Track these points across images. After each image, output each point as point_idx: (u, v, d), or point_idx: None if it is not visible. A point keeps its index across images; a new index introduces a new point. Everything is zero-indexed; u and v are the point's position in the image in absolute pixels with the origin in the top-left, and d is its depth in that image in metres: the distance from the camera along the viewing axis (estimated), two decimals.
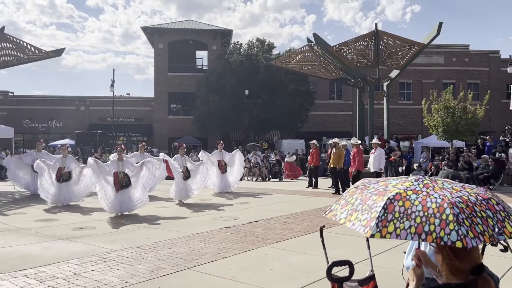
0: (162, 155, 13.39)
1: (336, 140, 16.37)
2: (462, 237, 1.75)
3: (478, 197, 1.99)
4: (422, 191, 1.99)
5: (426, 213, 1.85)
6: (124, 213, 10.47)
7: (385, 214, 1.91)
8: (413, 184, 2.06)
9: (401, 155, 20.96)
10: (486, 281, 1.89)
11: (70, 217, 10.26)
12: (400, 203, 1.93)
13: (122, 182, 10.44)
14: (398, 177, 2.30)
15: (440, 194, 1.94)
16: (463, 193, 1.98)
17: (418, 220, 1.85)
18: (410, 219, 1.86)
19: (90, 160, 10.70)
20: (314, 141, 18.18)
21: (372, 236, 1.88)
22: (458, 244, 1.75)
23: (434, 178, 2.16)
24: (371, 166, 15.19)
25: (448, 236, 1.76)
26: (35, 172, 14.23)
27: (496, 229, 1.87)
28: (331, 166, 15.78)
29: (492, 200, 2.01)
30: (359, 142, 15.95)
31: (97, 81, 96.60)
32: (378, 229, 1.88)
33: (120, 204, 10.29)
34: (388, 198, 1.96)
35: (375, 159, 15.03)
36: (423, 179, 2.12)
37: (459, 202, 1.89)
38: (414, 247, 2.77)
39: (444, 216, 1.81)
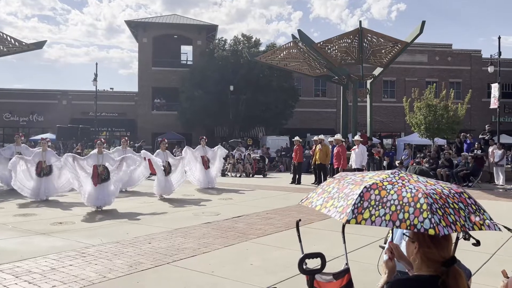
0: (143, 153, 13.27)
1: (321, 136, 16.46)
2: (434, 225, 1.80)
3: (451, 190, 2.05)
4: (398, 183, 2.04)
5: (401, 202, 1.91)
6: (104, 208, 10.36)
7: (361, 202, 1.96)
8: (389, 176, 2.11)
9: (383, 153, 21.17)
10: (458, 273, 1.92)
11: (49, 212, 10.11)
12: (376, 191, 1.99)
13: (101, 176, 10.34)
14: (376, 171, 2.37)
15: (415, 186, 2.00)
16: (436, 187, 2.05)
17: (393, 208, 1.90)
18: (385, 207, 1.92)
19: (68, 158, 10.41)
20: (297, 138, 18.24)
21: (348, 222, 1.93)
22: (431, 232, 1.80)
23: (409, 173, 2.24)
24: (353, 163, 15.34)
25: (422, 224, 1.81)
26: None
27: (468, 220, 1.93)
28: (318, 162, 15.86)
29: (464, 194, 2.08)
30: (343, 139, 16.02)
31: (80, 75, 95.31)
32: (353, 215, 1.93)
33: (98, 197, 10.17)
34: (365, 187, 2.01)
35: (357, 156, 15.19)
36: (399, 172, 2.18)
37: (433, 193, 1.95)
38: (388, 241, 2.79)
39: (418, 205, 1.87)
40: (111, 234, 7.67)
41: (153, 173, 13.21)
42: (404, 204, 1.89)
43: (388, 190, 1.98)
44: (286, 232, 7.94)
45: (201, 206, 11.38)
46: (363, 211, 1.94)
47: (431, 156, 18.37)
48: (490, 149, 17.68)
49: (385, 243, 3.33)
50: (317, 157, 16.13)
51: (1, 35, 19.63)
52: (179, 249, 6.59)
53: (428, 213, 1.83)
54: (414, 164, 18.50)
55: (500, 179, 17.02)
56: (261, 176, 21.80)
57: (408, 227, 1.84)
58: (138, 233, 7.70)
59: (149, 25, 38.79)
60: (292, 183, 17.29)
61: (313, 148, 17.84)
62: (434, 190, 1.99)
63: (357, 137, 16.35)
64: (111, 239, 7.20)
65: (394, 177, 2.11)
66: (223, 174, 20.08)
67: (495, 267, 5.79)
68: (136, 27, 38.91)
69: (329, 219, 8.99)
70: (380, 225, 1.89)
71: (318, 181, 15.65)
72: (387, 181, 2.06)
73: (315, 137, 17.49)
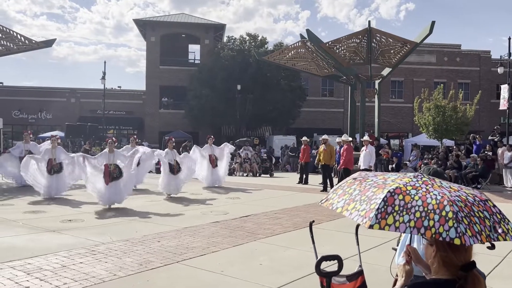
0: (157, 153, 13.52)
1: (325, 137, 16.37)
2: (460, 234, 1.76)
3: (476, 198, 2.01)
4: (422, 187, 2.00)
5: (426, 209, 1.86)
6: (114, 206, 10.43)
7: (385, 206, 1.91)
8: (412, 180, 2.06)
9: (391, 154, 21.08)
10: (477, 278, 1.88)
11: (58, 210, 10.18)
12: (400, 197, 1.94)
13: (113, 174, 10.43)
14: (396, 173, 2.31)
15: (440, 192, 1.95)
16: (461, 193, 2.00)
17: (417, 214, 1.86)
18: (409, 213, 1.87)
19: (79, 158, 10.62)
20: (305, 138, 18.22)
21: (371, 227, 1.88)
22: (457, 241, 1.76)
23: (432, 177, 2.17)
24: (362, 163, 15.26)
25: (447, 233, 1.78)
26: None
27: (493, 230, 1.89)
28: (322, 163, 15.80)
29: (489, 202, 2.03)
30: (350, 139, 15.89)
31: (88, 73, 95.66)
32: (377, 220, 1.88)
33: (110, 196, 10.26)
34: (389, 191, 1.97)
35: (365, 156, 15.10)
36: (422, 176, 2.13)
37: (458, 201, 1.91)
38: (405, 244, 2.77)
39: (443, 213, 1.83)
40: (120, 232, 7.71)
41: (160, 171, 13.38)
42: (429, 211, 1.85)
43: (412, 196, 1.94)
44: (294, 233, 7.94)
45: (209, 205, 11.40)
46: (387, 216, 1.89)
47: (440, 157, 18.27)
48: (500, 151, 17.55)
49: (397, 244, 3.31)
50: (321, 157, 16.05)
51: (12, 33, 19.78)
52: (188, 248, 6.61)
53: (454, 221, 1.79)
54: (422, 165, 18.45)
55: (509, 181, 16.88)
56: (268, 175, 21.80)
57: (433, 235, 1.80)
58: (147, 231, 7.74)
59: (157, 23, 38.88)
60: (299, 183, 17.27)
61: (320, 148, 17.78)
62: (458, 197, 1.95)
63: (366, 138, 16.27)
64: (120, 237, 7.24)
65: (417, 181, 2.06)
66: (230, 173, 20.11)
67: (507, 270, 5.76)
68: (144, 25, 39.02)
69: (337, 219, 8.99)
70: (404, 232, 1.86)
71: (323, 182, 15.55)
72: (410, 185, 2.01)
73: (321, 138, 17.42)
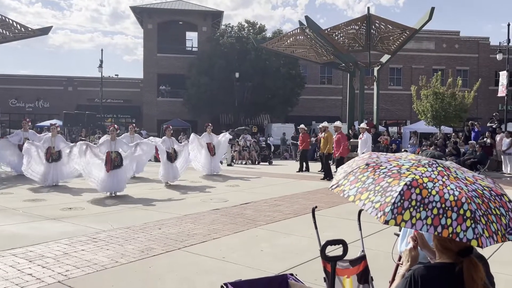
0: (152, 139, 13.47)
1: (325, 124, 16.32)
2: (478, 236, 1.74)
3: (492, 192, 1.97)
4: (438, 180, 1.93)
5: (443, 205, 1.81)
6: (114, 194, 10.45)
7: (401, 201, 1.83)
8: (427, 171, 1.99)
9: (390, 140, 21.12)
10: (473, 264, 1.89)
11: (58, 198, 10.19)
12: (417, 190, 1.86)
13: (114, 162, 10.42)
14: (408, 157, 2.19)
15: (456, 186, 1.90)
16: (477, 186, 1.96)
17: (435, 211, 1.80)
18: (427, 209, 1.81)
19: (82, 146, 10.59)
20: (303, 126, 18.19)
21: (386, 222, 1.81)
22: (474, 243, 1.73)
23: (446, 165, 2.09)
24: (359, 151, 15.35)
25: (465, 233, 1.74)
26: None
27: (508, 229, 1.86)
28: (324, 151, 15.78)
29: (504, 197, 1.99)
30: (341, 125, 15.60)
31: (85, 61, 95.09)
32: (393, 216, 1.81)
33: (112, 184, 10.28)
34: (405, 184, 1.89)
35: (361, 144, 15.26)
36: (437, 165, 2.05)
37: (475, 196, 1.87)
38: (407, 229, 2.78)
39: (461, 211, 1.78)
40: (121, 219, 7.73)
41: (158, 158, 13.38)
42: (446, 208, 1.80)
43: (429, 190, 1.86)
44: (294, 219, 7.97)
45: (209, 192, 11.43)
46: (403, 211, 1.81)
47: (438, 144, 18.30)
48: (498, 138, 17.59)
49: (400, 230, 3.33)
50: (321, 145, 16.01)
51: (7, 20, 19.59)
52: (189, 235, 6.64)
53: (472, 221, 1.75)
54: (420, 152, 18.52)
55: (508, 168, 16.95)
56: (267, 163, 21.82)
57: (450, 235, 1.75)
58: (148, 219, 7.76)
59: (154, 11, 38.52)
60: (299, 171, 17.19)
61: (319, 136, 17.74)
62: (475, 191, 1.90)
63: (362, 125, 16.24)
64: (121, 224, 7.26)
65: (433, 171, 1.99)
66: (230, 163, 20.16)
67: (507, 255, 5.79)
68: (141, 13, 38.66)
69: (337, 206, 9.03)
70: (421, 229, 1.79)
71: (323, 170, 15.50)
72: (426, 176, 1.94)
73: (320, 125, 17.32)
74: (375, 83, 22.57)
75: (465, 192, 1.87)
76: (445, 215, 1.78)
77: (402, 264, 2.32)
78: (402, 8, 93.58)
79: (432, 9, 19.45)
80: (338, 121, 16.39)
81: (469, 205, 1.80)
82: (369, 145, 15.62)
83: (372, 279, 3.01)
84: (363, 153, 15.17)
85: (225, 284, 2.87)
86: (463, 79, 29.43)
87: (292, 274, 3.08)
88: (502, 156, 17.31)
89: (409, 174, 1.96)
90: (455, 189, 1.88)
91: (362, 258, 3.01)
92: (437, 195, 1.84)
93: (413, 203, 1.83)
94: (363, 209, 1.95)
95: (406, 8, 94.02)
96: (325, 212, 8.47)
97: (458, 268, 1.90)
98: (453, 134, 20.74)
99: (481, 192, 1.92)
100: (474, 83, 25.36)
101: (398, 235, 3.29)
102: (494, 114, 21.56)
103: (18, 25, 19.88)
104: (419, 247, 2.23)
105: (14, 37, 20.55)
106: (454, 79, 24.08)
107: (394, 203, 1.83)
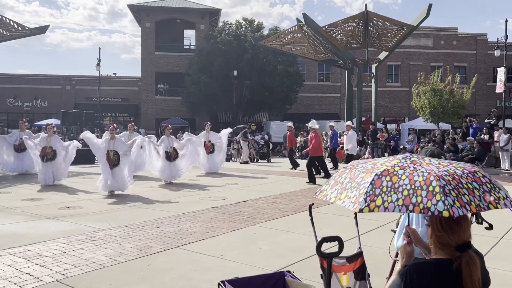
0: (151, 137, 13.50)
1: (311, 124, 15.67)
2: (448, 206, 1.78)
3: (465, 170, 2.02)
4: (409, 167, 2.02)
5: (413, 186, 1.89)
6: (114, 193, 10.45)
7: (373, 189, 1.95)
8: (400, 161, 2.09)
9: (388, 137, 21.15)
10: (472, 259, 1.89)
11: (56, 197, 10.17)
12: (388, 178, 1.97)
13: (112, 161, 10.44)
14: (387, 157, 2.35)
15: (427, 169, 1.97)
16: (449, 168, 2.01)
17: (405, 193, 1.88)
18: (397, 192, 1.90)
19: (88, 134, 10.85)
20: (289, 123, 18.39)
21: (361, 210, 1.91)
22: (445, 214, 1.77)
23: (421, 156, 2.21)
24: (345, 146, 16.07)
25: (435, 206, 1.79)
26: (19, 152, 14.20)
27: (483, 200, 1.89)
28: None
29: (478, 173, 2.03)
30: (317, 126, 14.98)
31: (83, 60, 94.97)
32: (366, 204, 1.91)
33: (112, 182, 10.30)
34: (376, 174, 2.00)
35: (347, 140, 15.91)
36: (411, 156, 2.15)
37: (445, 175, 1.92)
38: (404, 225, 2.79)
39: (430, 188, 1.85)
40: (119, 218, 7.73)
41: None
42: (416, 188, 1.87)
43: (399, 176, 1.96)
44: (292, 217, 7.98)
45: (207, 190, 11.43)
46: (375, 198, 1.92)
47: (436, 141, 18.32)
48: (496, 134, 17.62)
49: (397, 226, 3.34)
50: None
51: (4, 19, 19.55)
52: (187, 233, 6.64)
53: (441, 195, 1.80)
54: (419, 148, 18.54)
55: (505, 164, 16.99)
56: (265, 161, 21.82)
57: (422, 211, 1.81)
58: (146, 217, 7.76)
59: (151, 9, 38.44)
60: (292, 168, 17.13)
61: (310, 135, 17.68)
62: (446, 171, 1.95)
63: (348, 123, 16.70)
64: (119, 223, 7.26)
65: (406, 161, 2.08)
66: (227, 159, 20.12)
67: (504, 250, 5.82)
68: (138, 11, 38.58)
69: (334, 203, 9.04)
70: (393, 211, 1.87)
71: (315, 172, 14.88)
72: (398, 166, 2.03)
73: (308, 125, 16.63)
74: (373, 80, 22.60)
75: (434, 172, 1.93)
76: (415, 194, 1.86)
77: (399, 260, 2.33)
78: (400, 5, 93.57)
79: (430, 5, 19.51)
80: (313, 120, 15.57)
81: (438, 181, 1.86)
82: (354, 141, 16.02)
83: (369, 276, 3.02)
84: (347, 149, 15.63)
85: (223, 281, 2.88)
86: (461, 76, 29.41)
87: (289, 271, 3.09)
88: (500, 152, 17.35)
89: (382, 167, 2.06)
90: (425, 171, 1.95)
91: (359, 254, 3.02)
92: (407, 179, 1.94)
93: (384, 189, 1.94)
94: (345, 207, 2.03)
95: (404, 5, 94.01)
96: (322, 209, 8.47)
97: (456, 263, 1.90)
98: (451, 130, 20.76)
99: (453, 172, 1.97)
100: (472, 79, 25.36)
101: (394, 231, 3.30)
102: (492, 110, 21.61)
103: (15, 24, 19.84)
104: (413, 243, 2.23)
105: (11, 36, 20.51)
106: (453, 76, 24.07)
107: (366, 192, 1.95)
